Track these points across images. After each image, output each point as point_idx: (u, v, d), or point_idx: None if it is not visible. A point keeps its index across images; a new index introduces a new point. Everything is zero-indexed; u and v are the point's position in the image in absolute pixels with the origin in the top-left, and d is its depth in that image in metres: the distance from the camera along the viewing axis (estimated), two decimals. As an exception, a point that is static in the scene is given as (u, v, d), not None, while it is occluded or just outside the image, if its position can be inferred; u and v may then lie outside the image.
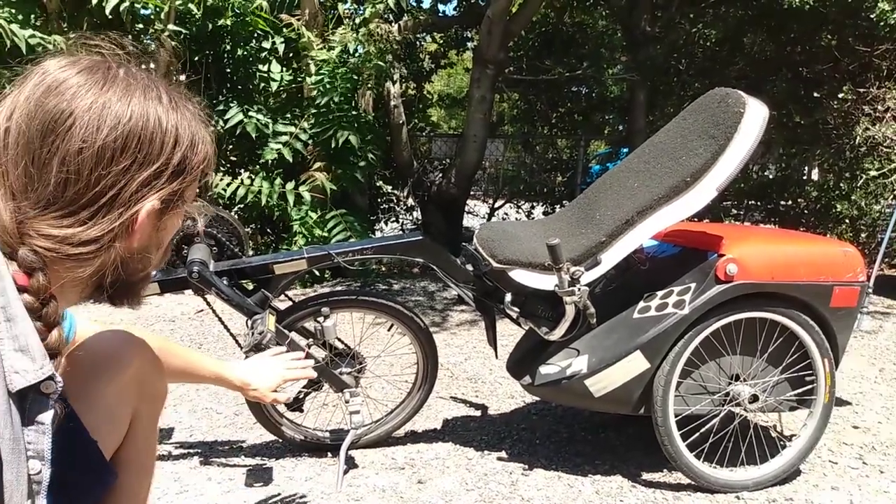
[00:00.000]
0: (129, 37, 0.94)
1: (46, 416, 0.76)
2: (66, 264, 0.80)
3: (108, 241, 0.80)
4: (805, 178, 7.12)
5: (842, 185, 5.19)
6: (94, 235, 0.79)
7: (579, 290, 1.91)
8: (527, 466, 2.24)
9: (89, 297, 0.89)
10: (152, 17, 3.97)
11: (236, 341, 2.19)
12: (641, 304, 2.07)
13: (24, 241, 0.77)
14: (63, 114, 0.76)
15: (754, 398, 2.08)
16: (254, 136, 4.57)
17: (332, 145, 4.63)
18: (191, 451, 2.32)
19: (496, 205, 7.70)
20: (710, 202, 1.97)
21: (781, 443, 2.18)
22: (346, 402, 2.19)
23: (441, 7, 7.61)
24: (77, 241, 0.78)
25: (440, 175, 6.59)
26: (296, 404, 2.28)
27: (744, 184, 6.53)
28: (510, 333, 3.50)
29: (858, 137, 5.01)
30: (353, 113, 4.66)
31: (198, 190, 0.92)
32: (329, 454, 2.29)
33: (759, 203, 6.76)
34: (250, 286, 2.12)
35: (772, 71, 6.71)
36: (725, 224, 4.98)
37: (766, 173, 7.01)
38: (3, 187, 0.78)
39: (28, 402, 0.74)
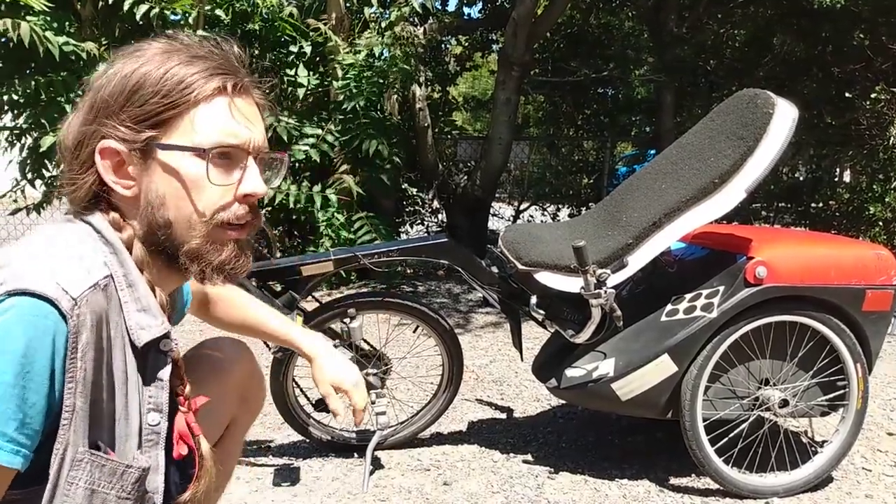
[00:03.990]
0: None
1: (164, 373, 0.89)
2: None
3: None
4: (837, 179, 7.00)
5: (875, 186, 5.09)
6: None
7: (606, 292, 1.90)
8: (553, 470, 2.23)
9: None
10: (182, 22, 4.04)
11: (265, 343, 2.21)
12: (669, 306, 2.06)
13: None
14: None
15: (784, 403, 2.05)
16: (285, 139, 4.61)
17: (361, 152, 4.65)
18: (219, 450, 2.34)
19: (521, 207, 7.67)
20: (739, 204, 1.95)
21: (812, 448, 2.15)
22: (373, 403, 2.20)
23: (466, 9, 7.60)
24: None
25: (465, 177, 6.60)
26: (322, 404, 2.30)
27: (774, 185, 6.44)
28: (535, 336, 3.49)
29: (892, 138, 4.91)
30: (379, 117, 4.67)
31: None
32: (356, 455, 2.30)
33: (789, 205, 6.66)
34: (278, 287, 2.15)
35: (802, 71, 6.61)
36: (754, 226, 4.91)
37: (796, 175, 6.90)
38: None
39: (149, 359, 0.88)
